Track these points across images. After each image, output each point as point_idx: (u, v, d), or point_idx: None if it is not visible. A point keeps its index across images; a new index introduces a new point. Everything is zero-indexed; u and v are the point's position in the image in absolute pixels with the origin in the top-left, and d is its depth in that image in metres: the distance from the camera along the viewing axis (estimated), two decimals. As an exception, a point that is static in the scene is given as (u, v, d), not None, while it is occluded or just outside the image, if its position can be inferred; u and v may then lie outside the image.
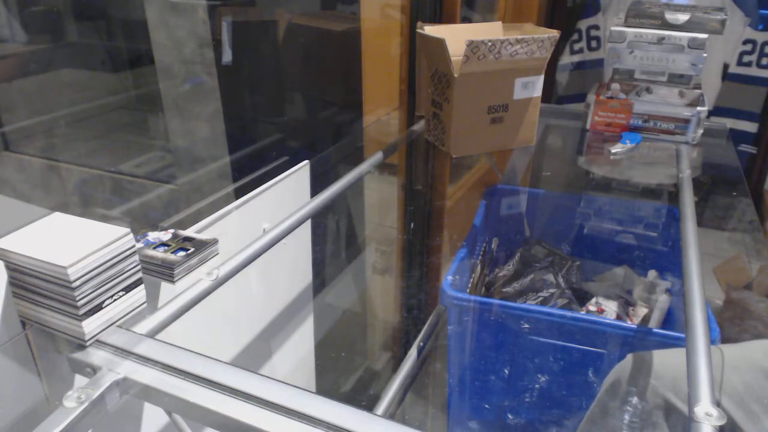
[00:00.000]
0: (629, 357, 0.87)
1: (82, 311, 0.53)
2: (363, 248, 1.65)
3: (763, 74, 2.03)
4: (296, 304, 1.12)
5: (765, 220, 2.24)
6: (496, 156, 1.57)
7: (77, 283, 0.52)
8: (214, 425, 0.48)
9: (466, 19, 1.68)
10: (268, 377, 0.50)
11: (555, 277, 1.30)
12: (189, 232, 0.71)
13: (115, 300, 0.56)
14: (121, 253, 0.56)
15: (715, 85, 2.09)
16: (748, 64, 2.04)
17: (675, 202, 1.05)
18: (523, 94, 1.05)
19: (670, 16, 1.20)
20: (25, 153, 1.24)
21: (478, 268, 1.27)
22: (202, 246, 0.67)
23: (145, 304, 0.60)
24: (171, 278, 0.63)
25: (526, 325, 1.03)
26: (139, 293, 0.59)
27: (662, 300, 1.21)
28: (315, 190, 1.00)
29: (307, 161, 1.05)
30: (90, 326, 0.54)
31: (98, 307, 0.55)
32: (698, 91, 1.22)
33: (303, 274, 1.15)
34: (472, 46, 0.94)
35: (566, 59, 2.22)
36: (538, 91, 1.06)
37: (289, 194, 1.00)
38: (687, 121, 1.23)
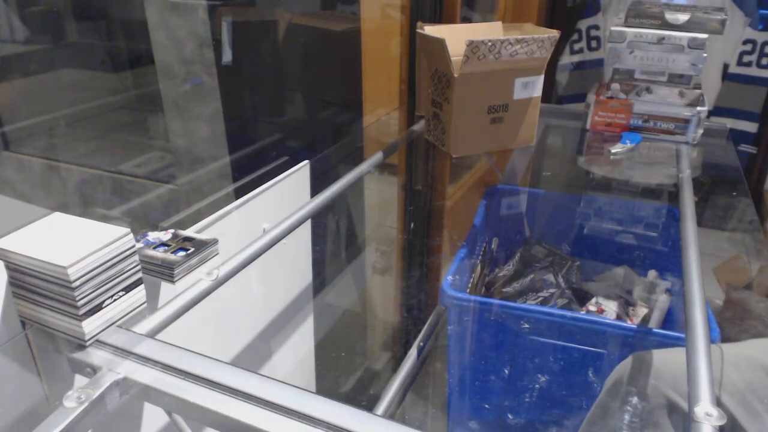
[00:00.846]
0: (630, 357, 0.87)
1: (82, 311, 0.53)
2: (363, 248, 1.65)
3: (763, 74, 2.04)
4: (296, 304, 1.12)
5: (765, 220, 2.24)
6: (496, 156, 1.57)
7: (77, 283, 0.52)
8: (214, 425, 0.48)
9: (466, 19, 1.68)
10: (268, 377, 0.50)
11: (555, 277, 1.30)
12: (189, 232, 0.71)
13: (115, 300, 0.56)
14: (121, 253, 0.56)
15: (715, 85, 2.09)
16: (748, 64, 2.04)
17: (675, 202, 1.05)
18: (523, 94, 1.05)
19: (670, 16, 1.20)
20: (25, 153, 1.24)
21: (478, 268, 1.27)
22: (202, 246, 0.67)
23: (145, 304, 0.60)
24: (171, 278, 0.63)
25: (526, 325, 1.03)
26: (139, 293, 0.59)
27: (662, 300, 1.21)
28: (315, 190, 1.00)
29: (307, 161, 1.05)
30: (90, 326, 0.54)
31: (98, 307, 0.55)
32: (698, 91, 1.22)
33: (303, 274, 1.15)
34: (472, 46, 0.94)
35: (566, 59, 2.22)
36: (538, 91, 1.06)
37: (289, 194, 1.00)
38: (687, 121, 1.23)
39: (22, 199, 0.77)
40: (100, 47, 1.35)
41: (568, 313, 1.01)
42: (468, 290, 1.21)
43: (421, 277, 1.65)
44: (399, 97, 1.41)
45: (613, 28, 1.23)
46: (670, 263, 1.28)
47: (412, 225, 1.59)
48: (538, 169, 1.58)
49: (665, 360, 0.82)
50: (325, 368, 1.31)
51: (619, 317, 1.21)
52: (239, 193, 0.91)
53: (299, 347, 1.17)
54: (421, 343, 1.20)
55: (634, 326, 1.09)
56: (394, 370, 1.20)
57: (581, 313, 1.19)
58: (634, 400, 0.82)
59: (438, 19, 1.39)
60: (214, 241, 0.68)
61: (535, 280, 1.31)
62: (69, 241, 0.54)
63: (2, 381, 0.55)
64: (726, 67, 2.08)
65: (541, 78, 1.05)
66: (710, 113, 1.26)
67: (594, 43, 2.17)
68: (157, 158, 1.34)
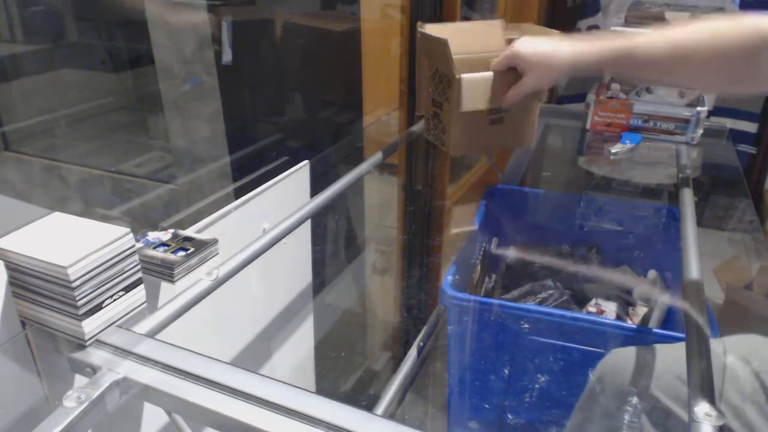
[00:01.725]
0: (610, 353, 0.87)
1: (82, 311, 0.53)
2: (363, 248, 1.65)
3: (763, 74, 2.03)
4: (296, 304, 1.12)
5: (765, 220, 2.24)
6: (496, 156, 1.57)
7: (77, 283, 0.52)
8: (214, 425, 0.48)
9: (466, 19, 1.68)
10: (268, 377, 0.50)
11: (554, 278, 1.30)
12: (189, 232, 0.72)
13: (115, 300, 0.56)
14: (121, 253, 0.56)
15: (715, 85, 2.09)
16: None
17: (675, 202, 1.05)
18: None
19: (670, 16, 1.20)
20: (25, 153, 1.24)
21: (478, 268, 1.27)
22: (202, 246, 0.67)
23: (145, 304, 0.60)
24: (171, 278, 0.63)
25: (526, 325, 1.03)
26: (139, 293, 0.59)
27: (662, 300, 1.21)
28: (315, 190, 1.00)
29: (307, 161, 1.05)
30: (90, 326, 0.54)
31: (98, 307, 0.55)
32: (698, 91, 1.22)
33: (303, 274, 1.15)
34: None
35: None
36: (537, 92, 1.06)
37: (289, 194, 1.00)
38: (687, 121, 1.23)
39: (22, 198, 0.77)
40: (100, 47, 1.35)
41: (568, 313, 1.01)
42: (468, 290, 1.21)
43: (421, 277, 1.65)
44: (399, 97, 1.41)
45: (613, 28, 1.23)
46: (670, 263, 1.28)
47: (412, 226, 1.59)
48: (538, 169, 1.58)
49: (645, 356, 0.83)
50: (325, 368, 1.31)
51: (619, 317, 1.21)
52: (239, 193, 0.91)
53: (299, 347, 1.17)
54: (421, 343, 1.20)
55: (634, 326, 1.09)
56: (394, 370, 1.20)
57: (581, 313, 1.19)
58: (616, 395, 0.83)
59: (438, 19, 1.39)
60: (214, 241, 0.68)
61: (534, 280, 1.31)
62: (69, 241, 0.54)
63: (2, 381, 0.55)
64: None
65: None
66: (710, 113, 1.26)
67: (594, 43, 2.17)
68: (157, 158, 1.34)
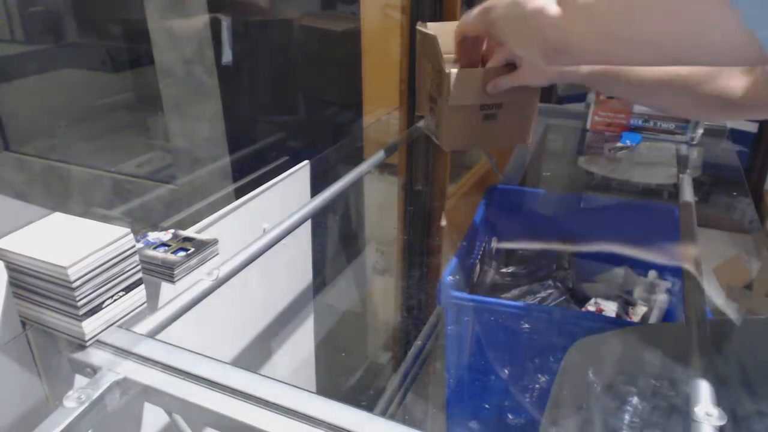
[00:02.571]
0: (577, 343, 0.88)
1: (82, 311, 0.53)
2: (363, 248, 1.65)
3: (763, 74, 2.03)
4: (296, 304, 1.12)
5: (765, 220, 2.24)
6: (496, 156, 1.57)
7: (77, 283, 0.52)
8: (214, 425, 0.48)
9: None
10: (268, 377, 0.50)
11: (554, 278, 1.30)
12: (189, 232, 0.72)
13: (115, 300, 0.56)
14: (122, 253, 0.56)
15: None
16: (748, 64, 2.04)
17: (675, 202, 1.05)
18: (518, 92, 1.05)
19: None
20: (25, 153, 1.24)
21: (478, 268, 1.27)
22: (202, 246, 0.67)
23: (145, 304, 0.60)
24: (171, 278, 0.63)
25: (526, 325, 1.03)
26: (139, 293, 0.59)
27: (662, 299, 1.21)
28: (315, 190, 1.00)
29: (307, 161, 1.05)
30: (90, 326, 0.54)
31: (98, 308, 0.55)
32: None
33: (303, 274, 1.15)
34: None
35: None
36: (533, 90, 1.06)
37: (289, 194, 1.00)
38: (687, 120, 1.23)
39: (22, 198, 0.77)
40: (101, 47, 1.35)
41: (568, 312, 1.01)
42: (467, 290, 1.21)
43: (421, 277, 1.65)
44: (399, 97, 1.41)
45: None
46: (670, 263, 1.28)
47: (412, 226, 1.59)
48: (538, 169, 1.58)
49: (609, 344, 0.83)
50: (325, 368, 1.31)
51: (618, 317, 1.21)
52: (239, 193, 0.92)
53: (299, 347, 1.17)
54: (421, 343, 1.20)
55: (634, 324, 1.09)
56: (394, 370, 1.20)
57: (581, 312, 1.19)
58: (582, 383, 0.83)
59: (438, 19, 1.39)
60: (214, 241, 0.68)
61: (534, 280, 1.31)
62: (69, 241, 0.54)
63: (2, 381, 0.55)
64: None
65: None
66: (710, 113, 1.26)
67: (594, 43, 2.17)
68: (157, 158, 1.34)
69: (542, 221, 1.41)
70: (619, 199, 1.38)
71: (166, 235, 0.69)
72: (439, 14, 1.40)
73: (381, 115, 1.44)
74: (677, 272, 1.20)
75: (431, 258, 1.65)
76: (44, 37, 1.21)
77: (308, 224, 1.12)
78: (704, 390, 0.54)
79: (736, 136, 1.35)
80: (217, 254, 0.69)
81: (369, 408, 0.79)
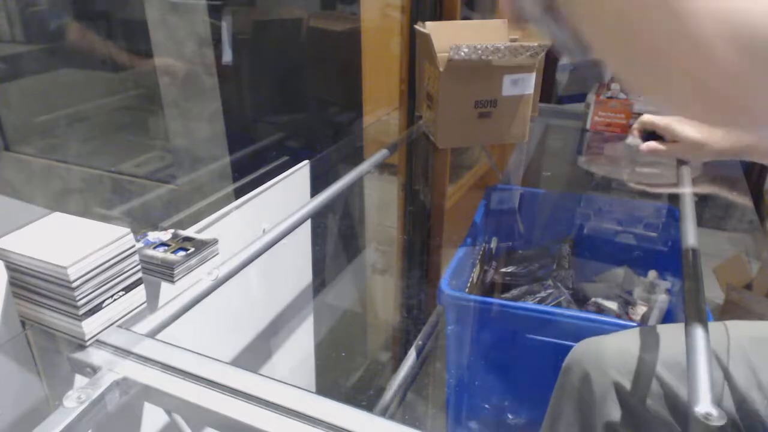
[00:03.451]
0: (579, 344, 0.88)
1: (82, 311, 0.53)
2: (363, 248, 1.65)
3: (763, 74, 2.03)
4: (296, 304, 1.12)
5: (765, 220, 2.24)
6: (496, 156, 1.57)
7: (77, 283, 0.52)
8: (214, 425, 0.48)
9: (466, 19, 1.68)
10: (268, 377, 0.50)
11: (553, 278, 1.30)
12: (189, 232, 0.72)
13: (115, 300, 0.56)
14: (121, 253, 0.56)
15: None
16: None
17: (675, 202, 1.05)
18: (513, 90, 1.05)
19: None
20: (25, 153, 1.24)
21: (478, 268, 1.27)
22: (202, 246, 0.67)
23: (145, 304, 0.60)
24: (171, 278, 0.63)
25: (526, 325, 1.03)
26: (139, 293, 0.59)
27: (662, 299, 1.21)
28: (315, 190, 1.00)
29: (307, 161, 1.05)
30: (90, 326, 0.54)
31: (98, 307, 0.55)
32: None
33: (303, 274, 1.15)
34: (457, 50, 0.94)
35: (566, 59, 2.22)
36: (529, 88, 1.06)
37: (289, 194, 1.00)
38: (687, 121, 1.23)
39: (22, 198, 0.77)
40: (101, 47, 1.35)
41: (568, 312, 1.01)
42: (467, 290, 1.21)
43: (420, 277, 1.65)
44: (399, 97, 1.41)
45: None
46: (670, 263, 1.28)
47: (412, 226, 1.59)
48: (538, 169, 1.58)
49: (613, 343, 0.84)
50: (325, 368, 1.31)
51: (618, 317, 1.21)
52: (239, 193, 0.91)
53: (299, 347, 1.17)
54: (421, 343, 1.20)
55: (635, 324, 1.09)
56: (394, 370, 1.20)
57: (581, 312, 1.19)
58: (583, 384, 0.84)
59: (438, 19, 1.39)
60: (214, 241, 0.68)
61: (533, 280, 1.31)
62: (69, 241, 0.54)
63: (2, 381, 0.55)
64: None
65: (533, 76, 1.05)
66: (710, 113, 1.25)
67: (594, 43, 2.17)
68: (157, 158, 1.34)
69: (542, 221, 1.42)
70: (619, 199, 1.38)
71: (165, 235, 0.69)
72: (439, 14, 1.40)
73: (381, 115, 1.44)
74: (677, 272, 1.20)
75: (431, 258, 1.65)
76: (44, 37, 1.21)
77: (308, 224, 1.12)
78: (704, 390, 0.54)
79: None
80: (217, 254, 0.69)
81: (369, 408, 0.79)
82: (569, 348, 0.95)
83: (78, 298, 0.52)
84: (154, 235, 0.68)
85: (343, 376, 1.56)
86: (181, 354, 0.53)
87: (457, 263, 1.13)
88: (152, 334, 0.59)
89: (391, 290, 1.71)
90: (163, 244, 0.67)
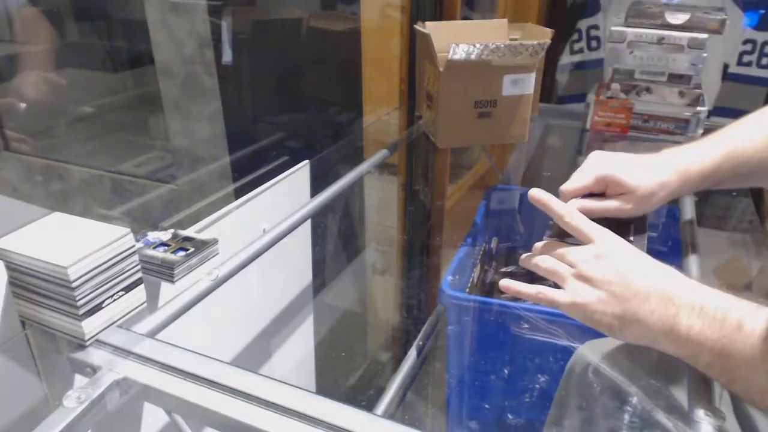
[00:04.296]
0: (582, 346, 0.88)
1: (82, 311, 0.53)
2: (363, 248, 1.65)
3: (763, 74, 2.03)
4: (296, 304, 1.12)
5: (765, 220, 2.24)
6: (496, 156, 1.57)
7: (77, 283, 0.52)
8: (214, 425, 0.48)
9: (466, 19, 1.68)
10: (268, 377, 0.50)
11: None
12: (189, 232, 0.72)
13: (115, 300, 0.56)
14: (121, 252, 0.56)
15: (715, 85, 2.09)
16: (748, 64, 2.04)
17: (675, 202, 1.05)
18: (513, 90, 1.05)
19: (670, 16, 1.20)
20: (25, 153, 1.24)
21: (478, 268, 1.27)
22: (202, 246, 0.67)
23: (145, 304, 0.60)
24: (171, 278, 0.63)
25: (526, 325, 1.03)
26: (139, 293, 0.59)
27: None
28: (315, 190, 1.00)
29: (307, 161, 1.05)
30: (90, 326, 0.54)
31: (98, 307, 0.55)
32: (698, 91, 1.22)
33: (303, 274, 1.15)
34: (458, 49, 0.94)
35: (566, 59, 2.22)
36: (529, 88, 1.06)
37: (288, 194, 1.00)
38: (687, 121, 1.23)
39: (22, 198, 0.77)
40: (101, 47, 1.35)
41: (568, 313, 1.00)
42: (467, 290, 1.21)
43: (421, 277, 1.65)
44: (399, 97, 1.41)
45: (613, 28, 1.23)
46: (670, 263, 1.28)
47: (412, 226, 1.59)
48: (539, 169, 1.58)
49: (614, 346, 0.84)
50: (325, 368, 1.31)
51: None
52: (239, 193, 0.91)
53: (299, 347, 1.17)
54: (421, 343, 1.20)
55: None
56: (394, 370, 1.20)
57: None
58: (586, 387, 0.84)
59: (438, 19, 1.39)
60: (214, 241, 0.68)
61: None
62: (69, 241, 0.54)
63: (2, 381, 0.55)
64: (726, 67, 2.08)
65: (532, 76, 1.05)
66: (710, 113, 1.26)
67: (594, 43, 2.17)
68: (157, 158, 1.34)
69: (542, 221, 1.41)
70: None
71: (165, 235, 0.68)
72: (439, 14, 1.40)
73: (381, 115, 1.44)
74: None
75: (431, 258, 1.65)
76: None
77: (308, 224, 1.12)
78: (704, 390, 0.54)
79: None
80: (217, 254, 0.69)
81: (369, 408, 0.79)
82: (569, 348, 0.95)
83: (78, 298, 0.52)
84: (154, 235, 0.68)
85: (343, 376, 1.56)
86: (181, 354, 0.53)
87: (458, 263, 1.13)
88: (152, 334, 0.59)
89: (391, 290, 1.71)
90: (163, 244, 0.67)
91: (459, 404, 1.18)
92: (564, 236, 0.68)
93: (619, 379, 0.80)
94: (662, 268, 0.60)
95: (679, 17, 1.19)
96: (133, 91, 1.40)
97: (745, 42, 2.04)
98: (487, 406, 1.16)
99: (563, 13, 2.21)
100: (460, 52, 0.95)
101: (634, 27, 1.22)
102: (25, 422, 0.57)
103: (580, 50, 2.21)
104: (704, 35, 1.17)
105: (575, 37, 2.20)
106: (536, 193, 0.67)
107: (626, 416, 0.79)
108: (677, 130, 1.24)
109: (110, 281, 0.55)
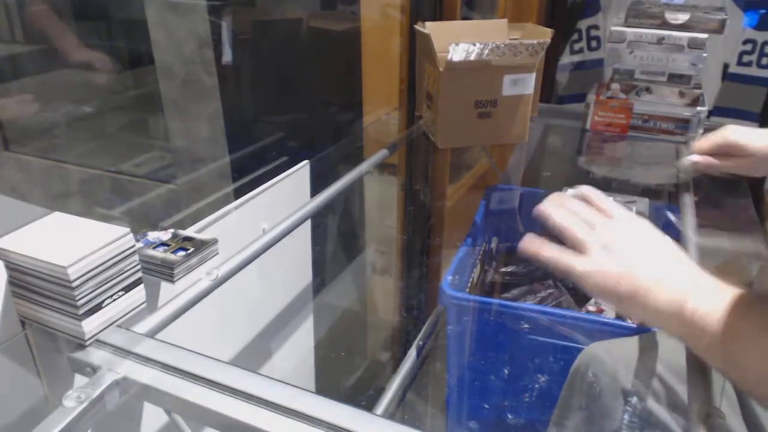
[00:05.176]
0: (586, 348, 0.88)
1: (81, 311, 0.53)
2: (363, 248, 1.65)
3: (763, 74, 2.03)
4: (296, 304, 1.12)
5: (765, 220, 2.24)
6: (496, 156, 1.57)
7: (77, 282, 0.51)
8: (214, 425, 0.48)
9: (466, 19, 1.68)
10: (268, 377, 0.50)
11: (554, 278, 1.30)
12: (189, 231, 0.71)
13: (114, 300, 0.56)
14: (121, 252, 0.56)
15: (715, 85, 2.09)
16: (748, 64, 2.04)
17: (675, 202, 1.05)
18: (513, 90, 1.05)
19: (670, 16, 1.20)
20: (25, 153, 1.24)
21: (478, 268, 1.27)
22: (202, 246, 0.67)
23: (145, 304, 0.60)
24: (171, 278, 0.63)
25: (526, 325, 1.03)
26: (139, 293, 0.59)
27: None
28: (315, 190, 1.00)
29: (306, 161, 1.05)
30: (90, 326, 0.54)
31: (98, 307, 0.55)
32: (698, 91, 1.22)
33: (303, 274, 1.15)
34: (457, 49, 0.94)
35: (566, 59, 2.22)
36: (529, 88, 1.06)
37: (288, 194, 1.00)
38: (687, 121, 1.23)
39: (22, 198, 0.77)
40: (101, 47, 1.35)
41: (568, 313, 1.01)
42: (467, 290, 1.21)
43: (421, 277, 1.65)
44: (399, 97, 1.41)
45: (613, 28, 1.23)
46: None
47: (412, 226, 1.59)
48: (538, 169, 1.58)
49: (619, 348, 0.84)
50: (324, 368, 1.31)
51: (618, 317, 1.21)
52: (239, 192, 0.91)
53: (299, 347, 1.17)
54: (421, 343, 1.20)
55: (634, 325, 1.09)
56: (393, 370, 1.20)
57: (581, 313, 1.19)
58: (591, 388, 0.84)
59: (438, 19, 1.39)
60: (214, 241, 0.68)
61: (534, 280, 1.31)
62: (69, 240, 0.54)
63: (2, 381, 0.55)
64: (726, 67, 2.08)
65: (533, 76, 1.05)
66: (710, 113, 1.26)
67: (594, 43, 2.17)
68: (157, 158, 1.34)
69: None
70: (620, 198, 1.37)
71: (165, 235, 0.68)
72: (439, 14, 1.40)
73: (381, 115, 1.44)
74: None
75: (431, 258, 1.64)
76: (44, 36, 1.21)
77: (308, 224, 1.11)
78: (704, 390, 0.54)
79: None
80: (217, 254, 0.69)
81: (369, 408, 0.79)
82: (569, 348, 0.95)
83: (78, 297, 0.52)
84: (153, 235, 0.68)
85: (343, 376, 1.56)
86: (181, 354, 0.53)
87: (458, 263, 1.13)
88: (152, 334, 0.59)
89: (391, 290, 1.70)
90: (162, 243, 0.67)
91: (459, 404, 1.18)
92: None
93: (624, 379, 0.80)
94: (680, 251, 0.64)
95: (679, 17, 1.19)
96: (133, 90, 1.40)
97: (745, 42, 2.04)
98: (487, 406, 1.16)
99: (563, 13, 2.21)
100: (459, 52, 0.95)
101: (634, 27, 1.22)
102: (24, 422, 0.57)
103: (580, 50, 2.21)
104: (704, 35, 1.17)
105: (575, 37, 2.20)
106: (527, 246, 0.70)
107: (630, 417, 0.79)
108: (677, 130, 1.24)
109: (110, 281, 0.55)
